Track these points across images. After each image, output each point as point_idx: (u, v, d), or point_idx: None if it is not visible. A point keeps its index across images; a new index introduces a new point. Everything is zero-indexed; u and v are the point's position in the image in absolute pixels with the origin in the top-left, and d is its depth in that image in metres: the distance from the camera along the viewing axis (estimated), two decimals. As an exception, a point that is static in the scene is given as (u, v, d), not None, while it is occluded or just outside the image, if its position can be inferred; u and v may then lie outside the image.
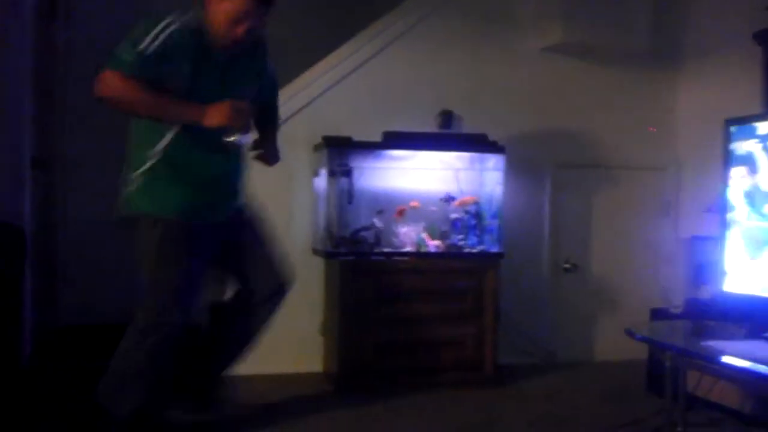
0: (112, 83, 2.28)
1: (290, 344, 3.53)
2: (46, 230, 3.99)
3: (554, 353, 3.97)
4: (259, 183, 3.58)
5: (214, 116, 2.31)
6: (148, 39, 2.29)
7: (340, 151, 3.47)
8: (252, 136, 2.47)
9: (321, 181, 3.53)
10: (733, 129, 2.69)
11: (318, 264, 3.57)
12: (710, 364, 2.26)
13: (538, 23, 3.94)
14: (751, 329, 2.46)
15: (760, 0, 3.14)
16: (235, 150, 2.53)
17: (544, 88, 3.99)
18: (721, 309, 2.77)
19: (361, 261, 3.37)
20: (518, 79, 3.97)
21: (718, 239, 2.76)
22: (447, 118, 3.80)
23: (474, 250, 3.56)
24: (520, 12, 3.97)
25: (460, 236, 3.59)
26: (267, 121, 2.79)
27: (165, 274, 2.47)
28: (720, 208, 2.75)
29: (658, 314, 3.36)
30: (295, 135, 3.59)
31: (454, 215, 3.62)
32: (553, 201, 4.00)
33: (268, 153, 2.75)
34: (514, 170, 3.67)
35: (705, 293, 3.02)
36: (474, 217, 3.61)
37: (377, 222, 3.52)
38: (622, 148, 4.08)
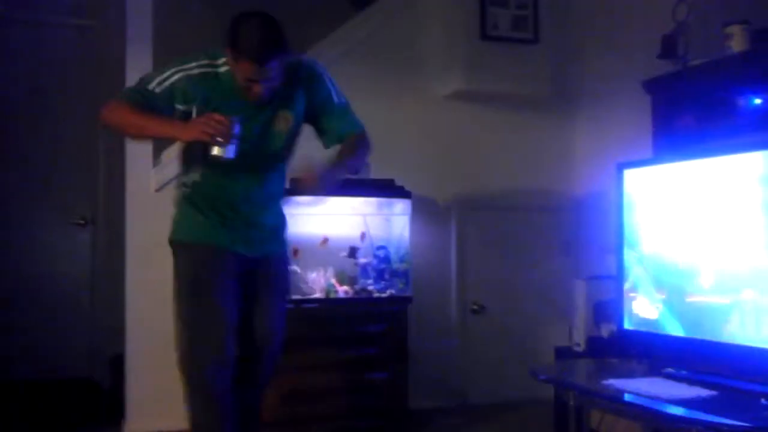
0: (109, 109, 2.38)
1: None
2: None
3: (465, 395, 4.00)
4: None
5: (190, 130, 2.28)
6: (159, 78, 2.37)
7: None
8: (235, 149, 2.26)
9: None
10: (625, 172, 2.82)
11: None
12: (611, 403, 2.31)
13: (442, 71, 4.04)
14: (650, 366, 2.54)
15: (651, 50, 3.31)
16: (275, 189, 2.57)
17: (448, 134, 4.08)
18: (621, 346, 2.86)
19: (268, 309, 3.32)
20: (424, 125, 4.05)
21: (616, 278, 2.86)
22: (353, 163, 3.82)
23: (383, 295, 3.56)
24: (425, 60, 4.06)
25: (369, 281, 3.59)
26: (333, 132, 2.57)
27: (190, 304, 2.46)
28: (616, 247, 2.86)
29: (561, 353, 3.43)
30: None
31: (362, 260, 3.62)
32: (460, 243, 4.06)
33: (321, 177, 2.37)
34: (421, 214, 3.72)
35: (606, 331, 3.11)
36: (383, 262, 3.62)
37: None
38: (523, 190, 4.19)
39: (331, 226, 3.66)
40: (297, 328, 3.32)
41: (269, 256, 2.57)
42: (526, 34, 4.03)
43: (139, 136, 2.57)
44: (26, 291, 4.43)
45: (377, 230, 3.71)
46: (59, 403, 4.09)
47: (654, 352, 2.65)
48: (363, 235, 3.65)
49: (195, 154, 2.44)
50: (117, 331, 3.62)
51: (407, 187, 3.61)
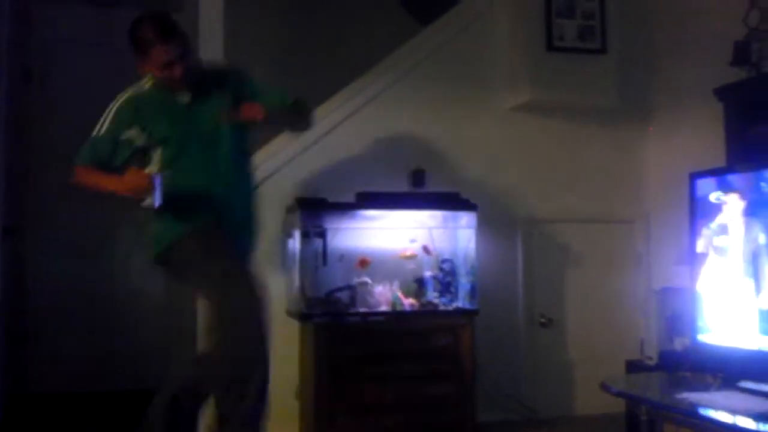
0: (76, 175, 2.70)
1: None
2: (17, 297, 3.95)
3: (534, 409, 3.94)
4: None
5: (123, 185, 2.55)
6: (100, 123, 2.69)
7: (314, 212, 3.49)
8: (159, 199, 2.53)
9: (294, 242, 3.53)
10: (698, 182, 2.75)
11: (292, 326, 3.54)
12: (685, 417, 2.25)
13: (508, 83, 4.03)
14: (725, 380, 2.47)
15: (722, 56, 3.25)
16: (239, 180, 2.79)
17: (513, 146, 4.06)
18: (695, 360, 2.78)
19: (335, 322, 3.36)
20: (488, 138, 4.04)
21: (690, 290, 2.79)
22: (419, 177, 3.85)
23: (449, 308, 3.55)
24: (489, 73, 4.06)
25: (435, 294, 3.59)
26: (271, 106, 2.78)
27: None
28: (690, 259, 2.79)
29: (633, 366, 3.37)
30: (268, 197, 3.61)
31: (428, 273, 3.63)
32: (526, 256, 4.03)
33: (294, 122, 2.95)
34: (487, 227, 3.70)
35: (679, 344, 3.03)
36: (448, 275, 3.62)
37: (359, 279, 3.51)
38: (592, 201, 4.14)
39: (396, 239, 3.68)
40: (364, 341, 3.36)
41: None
42: (593, 44, 3.98)
43: (101, 191, 2.73)
44: (99, 305, 4.57)
45: (442, 243, 3.71)
46: (129, 414, 4.17)
47: (729, 365, 2.58)
48: (425, 248, 3.65)
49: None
50: (190, 345, 3.70)
51: (473, 200, 3.61)
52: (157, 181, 2.52)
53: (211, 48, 3.64)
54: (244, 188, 2.85)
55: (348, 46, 4.77)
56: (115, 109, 2.69)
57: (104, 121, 2.69)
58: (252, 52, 4.47)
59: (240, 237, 2.78)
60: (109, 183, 2.64)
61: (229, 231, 2.70)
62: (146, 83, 2.72)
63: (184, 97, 2.72)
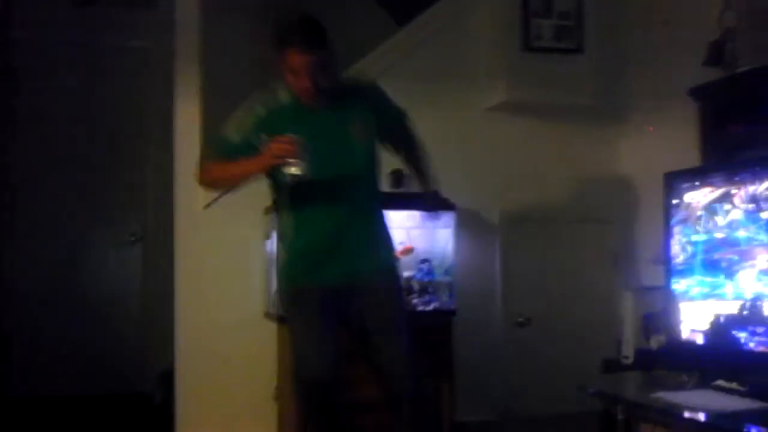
0: (201, 171, 2.62)
1: (244, 410, 3.46)
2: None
3: (512, 408, 3.96)
4: (211, 246, 3.61)
5: (263, 159, 2.42)
6: (233, 129, 2.58)
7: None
8: (304, 165, 2.38)
9: (272, 244, 3.51)
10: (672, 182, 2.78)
11: (271, 328, 3.53)
12: (660, 416, 2.27)
13: (485, 83, 4.04)
14: (701, 378, 2.49)
15: (697, 56, 3.27)
16: (359, 207, 2.60)
17: (491, 146, 4.07)
18: (670, 359, 2.81)
19: (314, 323, 3.34)
20: (466, 138, 4.05)
21: (665, 289, 2.81)
22: (398, 177, 3.84)
23: (428, 308, 3.55)
24: (467, 73, 4.06)
25: (414, 294, 3.59)
26: (404, 150, 2.80)
27: (290, 335, 2.70)
28: (664, 258, 2.81)
29: (610, 365, 3.38)
30: (248, 198, 3.60)
31: (406, 273, 3.63)
32: (504, 256, 4.04)
33: (421, 195, 2.81)
34: (465, 226, 3.71)
35: (654, 343, 3.05)
36: (426, 275, 3.62)
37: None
38: (569, 201, 4.15)
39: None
40: (343, 340, 3.34)
41: (360, 277, 2.57)
42: (570, 44, 4.00)
43: (232, 185, 2.81)
44: (78, 307, 4.56)
45: (421, 243, 3.71)
46: (110, 418, 4.17)
47: (704, 364, 2.60)
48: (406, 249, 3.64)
49: (282, 199, 2.61)
50: (168, 346, 3.69)
51: (451, 200, 3.61)
52: (303, 147, 2.35)
53: (186, 44, 3.62)
54: (366, 210, 2.65)
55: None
56: (255, 120, 2.55)
57: (240, 128, 2.56)
58: (229, 49, 4.45)
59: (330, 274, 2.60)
60: (246, 166, 2.50)
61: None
62: (281, 89, 2.57)
63: (319, 110, 2.55)
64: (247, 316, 3.57)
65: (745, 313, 2.35)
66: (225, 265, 3.60)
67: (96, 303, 4.63)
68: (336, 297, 2.58)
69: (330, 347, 2.57)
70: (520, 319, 4.05)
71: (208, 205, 3.51)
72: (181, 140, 3.62)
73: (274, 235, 3.46)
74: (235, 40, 4.50)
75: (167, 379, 3.76)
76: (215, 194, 3.40)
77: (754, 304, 2.34)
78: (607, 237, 4.18)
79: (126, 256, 4.80)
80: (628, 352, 3.21)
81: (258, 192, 3.57)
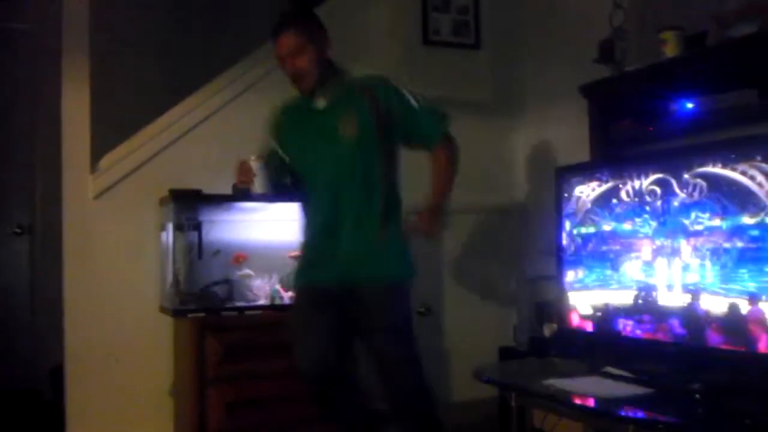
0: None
1: (139, 407, 3.37)
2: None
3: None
4: (103, 238, 3.48)
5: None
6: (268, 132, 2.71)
7: (188, 205, 3.38)
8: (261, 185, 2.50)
9: (168, 236, 3.42)
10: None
11: (167, 323, 3.44)
12: (549, 402, 2.35)
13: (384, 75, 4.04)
14: (591, 365, 2.60)
15: (588, 54, 3.38)
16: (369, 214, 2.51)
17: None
18: (563, 346, 2.91)
19: (211, 317, 3.28)
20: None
21: (557, 279, 2.91)
22: (298, 169, 3.80)
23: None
24: (367, 65, 4.05)
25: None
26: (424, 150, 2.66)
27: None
28: (556, 249, 2.91)
29: (506, 353, 3.48)
30: (142, 188, 3.50)
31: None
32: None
33: (423, 217, 2.51)
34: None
35: (547, 331, 3.16)
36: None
37: (241, 272, 3.44)
38: (468, 193, 4.20)
39: (276, 232, 3.64)
40: (241, 336, 3.30)
41: (357, 284, 2.49)
42: (468, 39, 4.07)
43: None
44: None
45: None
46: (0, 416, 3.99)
47: (595, 351, 2.71)
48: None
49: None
50: (57, 342, 3.55)
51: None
52: (258, 166, 2.46)
53: (73, 30, 3.46)
54: (364, 213, 2.52)
55: (225, 32, 4.65)
56: (270, 118, 2.61)
57: (268, 126, 2.66)
58: (119, 35, 4.30)
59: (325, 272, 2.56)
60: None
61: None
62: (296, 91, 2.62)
63: (320, 104, 2.52)
64: (141, 310, 3.46)
65: (640, 302, 2.45)
66: (117, 257, 3.47)
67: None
68: (332, 298, 2.52)
69: (317, 341, 2.53)
70: (421, 309, 4.09)
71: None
72: (69, 128, 3.46)
73: (170, 227, 3.39)
74: (124, 25, 4.35)
75: (58, 375, 3.61)
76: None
77: (644, 293, 2.45)
78: (504, 228, 4.29)
79: (13, 249, 4.58)
80: (523, 339, 3.31)
81: (152, 181, 3.51)
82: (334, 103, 2.56)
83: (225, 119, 3.72)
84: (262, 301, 3.45)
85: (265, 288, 3.48)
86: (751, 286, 2.07)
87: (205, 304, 3.32)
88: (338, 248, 2.52)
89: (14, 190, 4.56)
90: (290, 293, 3.04)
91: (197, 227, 3.41)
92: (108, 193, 3.48)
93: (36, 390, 4.26)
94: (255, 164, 2.44)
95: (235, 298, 3.43)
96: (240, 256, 3.48)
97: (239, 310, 3.36)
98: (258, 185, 2.44)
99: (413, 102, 2.60)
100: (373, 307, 2.52)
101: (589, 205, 2.74)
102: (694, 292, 2.26)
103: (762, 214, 2.06)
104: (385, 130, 2.57)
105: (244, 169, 2.51)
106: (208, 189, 3.41)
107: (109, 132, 3.56)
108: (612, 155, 3.08)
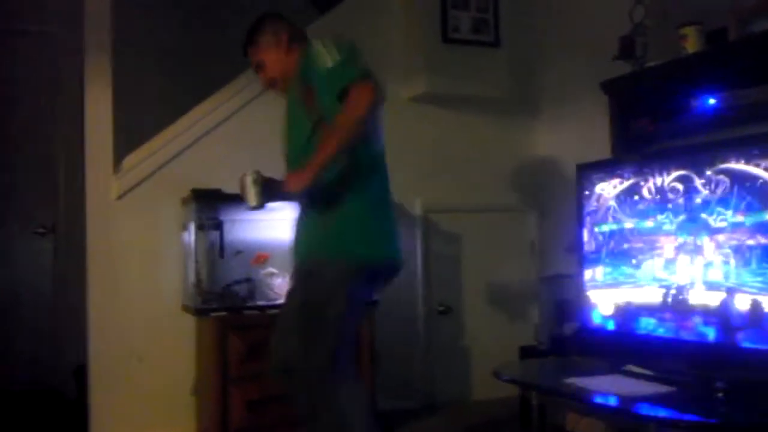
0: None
1: (161, 405, 3.40)
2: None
3: (432, 396, 4.01)
4: (126, 238, 3.51)
5: None
6: None
7: (209, 204, 3.41)
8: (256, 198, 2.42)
9: (190, 235, 3.45)
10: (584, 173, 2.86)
11: (189, 322, 3.47)
12: (571, 401, 2.34)
13: (404, 74, 4.05)
14: (612, 363, 2.58)
15: (609, 50, 3.36)
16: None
17: (410, 137, 4.08)
18: (584, 345, 2.90)
19: (232, 316, 3.30)
20: (387, 128, 4.03)
21: (577, 277, 2.90)
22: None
23: (348, 298, 3.55)
24: (386, 63, 4.06)
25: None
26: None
27: None
28: (577, 247, 2.90)
29: (526, 352, 3.47)
30: (163, 188, 3.53)
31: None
32: (425, 246, 4.07)
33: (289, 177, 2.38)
34: (385, 217, 3.71)
35: (568, 330, 3.14)
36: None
37: (264, 271, 3.45)
38: (487, 191, 4.22)
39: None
40: (262, 334, 3.30)
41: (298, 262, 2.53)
42: (487, 37, 4.06)
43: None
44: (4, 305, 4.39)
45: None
46: (23, 415, 4.03)
47: (616, 349, 2.70)
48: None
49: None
50: (80, 341, 3.58)
51: (371, 191, 3.61)
52: (245, 180, 2.42)
53: (95, 32, 3.50)
54: (316, 196, 2.40)
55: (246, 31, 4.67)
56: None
57: None
58: (141, 38, 4.34)
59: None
60: None
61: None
62: None
63: (289, 98, 2.59)
64: (163, 309, 3.50)
65: (661, 300, 2.44)
66: (139, 257, 3.51)
67: (5, 297, 4.46)
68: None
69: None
70: (440, 308, 4.10)
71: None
72: (92, 129, 3.50)
73: (191, 227, 3.41)
74: (146, 28, 4.39)
75: (81, 374, 3.65)
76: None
77: (666, 291, 2.43)
78: (524, 226, 4.28)
79: (36, 249, 4.62)
80: (544, 338, 3.29)
81: (174, 181, 3.54)
82: (289, 92, 2.61)
83: (245, 119, 3.75)
84: (283, 300, 3.45)
85: (286, 287, 3.48)
86: (775, 283, 2.05)
87: (227, 303, 3.35)
88: (299, 230, 2.60)
89: (37, 190, 4.61)
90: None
91: (218, 227, 3.43)
92: (130, 194, 3.52)
93: (58, 389, 4.30)
94: (248, 178, 2.45)
95: (257, 297, 3.44)
96: (261, 256, 3.50)
97: (261, 309, 3.38)
98: (251, 198, 2.45)
99: (324, 66, 2.33)
100: (298, 277, 2.55)
101: (610, 203, 2.72)
102: (717, 289, 2.24)
103: (786, 211, 2.03)
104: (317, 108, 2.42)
105: (240, 184, 2.48)
106: (229, 189, 3.43)
107: (131, 133, 3.61)
108: (633, 152, 3.06)
